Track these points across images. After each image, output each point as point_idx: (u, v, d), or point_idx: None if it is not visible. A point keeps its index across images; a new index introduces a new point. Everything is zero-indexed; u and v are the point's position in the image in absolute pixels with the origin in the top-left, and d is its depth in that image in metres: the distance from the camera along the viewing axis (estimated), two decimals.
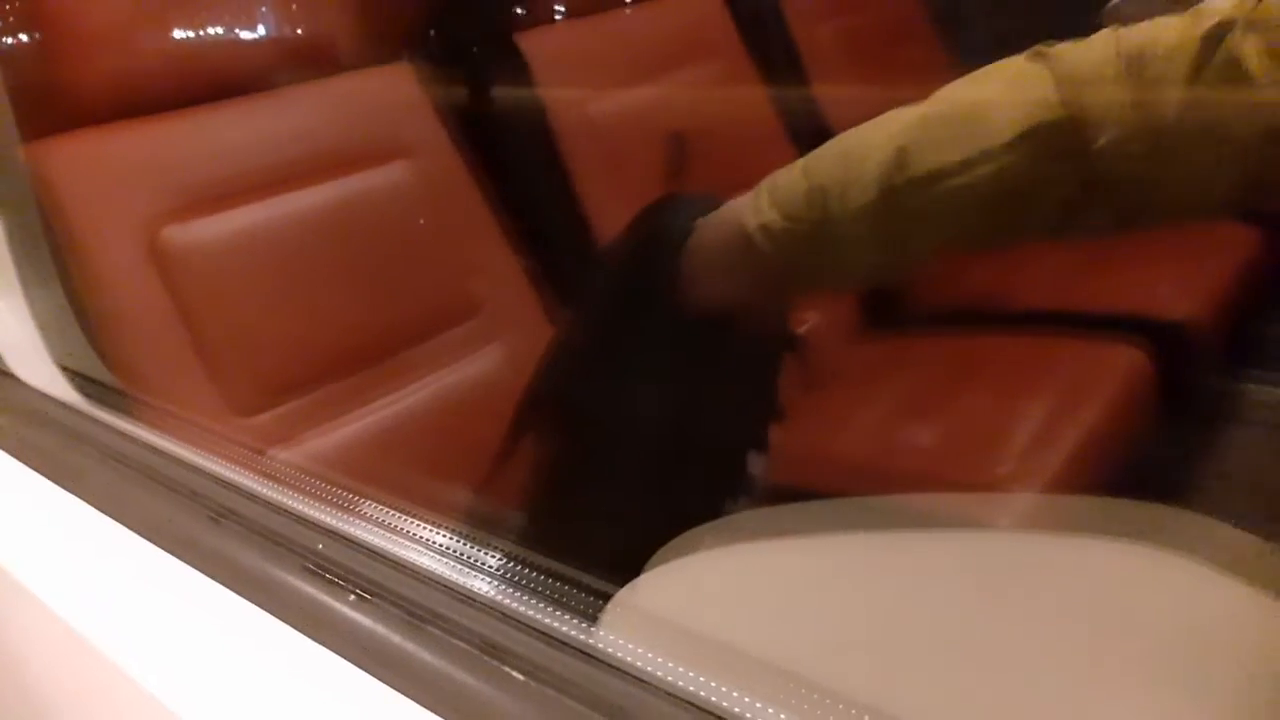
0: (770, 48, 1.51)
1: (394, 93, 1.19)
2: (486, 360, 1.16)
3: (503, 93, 1.27)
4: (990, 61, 0.62)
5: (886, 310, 1.52)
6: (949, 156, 0.58)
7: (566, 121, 1.27)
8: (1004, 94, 0.60)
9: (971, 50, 1.69)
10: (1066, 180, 0.58)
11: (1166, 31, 0.56)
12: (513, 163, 1.25)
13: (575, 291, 1.12)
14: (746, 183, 1.42)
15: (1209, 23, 0.54)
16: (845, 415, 1.29)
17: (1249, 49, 0.52)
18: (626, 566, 0.54)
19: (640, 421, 0.78)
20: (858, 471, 1.18)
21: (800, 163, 0.65)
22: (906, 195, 0.60)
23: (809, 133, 1.51)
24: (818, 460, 1.16)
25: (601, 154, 1.28)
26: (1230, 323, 1.37)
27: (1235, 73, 0.52)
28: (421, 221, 1.15)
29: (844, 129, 1.54)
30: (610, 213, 1.27)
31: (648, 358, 0.78)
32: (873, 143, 0.62)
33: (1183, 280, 1.40)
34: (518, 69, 1.27)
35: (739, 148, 1.48)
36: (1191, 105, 0.54)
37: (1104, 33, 0.58)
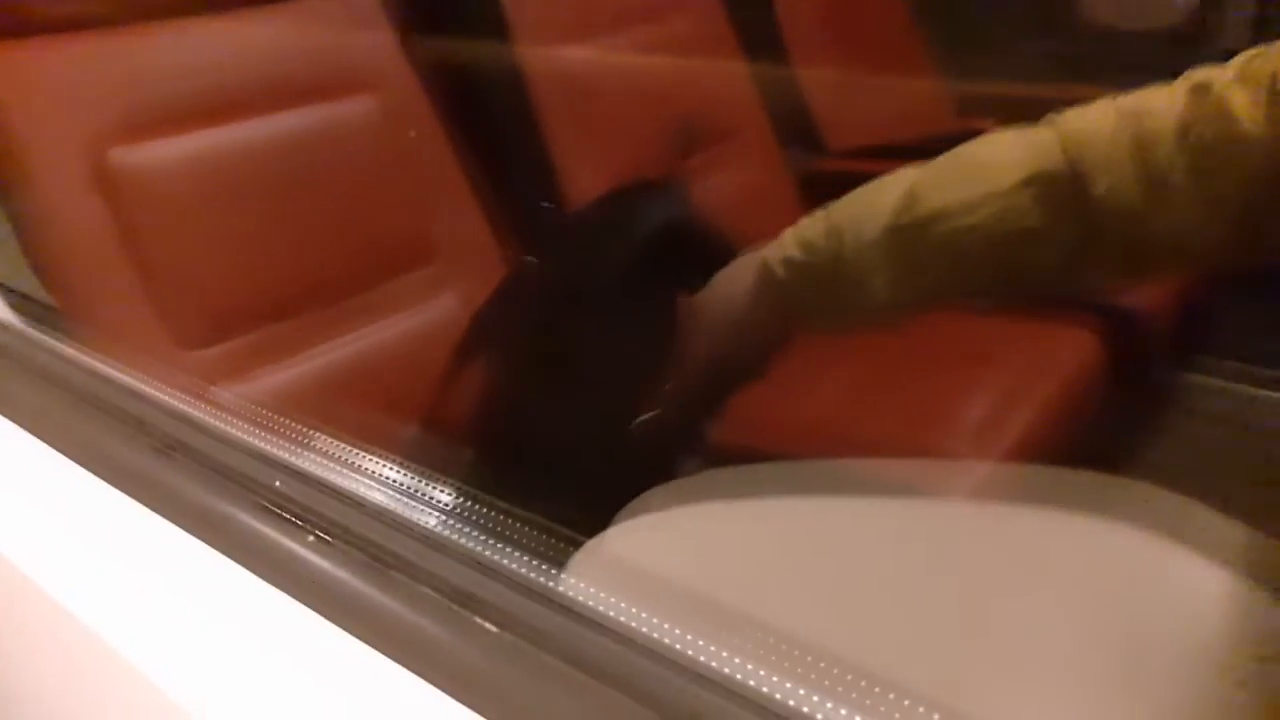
0: (748, 7, 1.48)
1: (360, 23, 1.14)
2: (441, 309, 1.13)
3: (474, 32, 1.23)
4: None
5: None
6: (955, 197, 0.61)
7: (538, 67, 1.23)
8: (1011, 146, 0.62)
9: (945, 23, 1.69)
10: (1066, 227, 0.60)
11: (1161, 90, 0.59)
12: (481, 108, 1.21)
13: (538, 242, 1.10)
14: (714, 143, 1.41)
15: (1201, 77, 0.57)
16: (800, 383, 1.28)
17: (1238, 101, 0.55)
18: (571, 522, 0.53)
19: (584, 380, 0.78)
20: (810, 438, 1.18)
21: (825, 209, 0.68)
22: (913, 233, 0.62)
23: (782, 97, 1.50)
24: (773, 425, 1.16)
25: (573, 105, 1.25)
26: (1183, 313, 1.39)
27: (1225, 124, 0.55)
28: (386, 158, 1.11)
29: (818, 96, 1.51)
30: (578, 166, 1.23)
31: (603, 322, 0.77)
32: (887, 187, 0.64)
33: None
34: (490, 8, 1.22)
35: (711, 108, 1.47)
36: (1182, 155, 0.56)
37: (1104, 99, 0.60)
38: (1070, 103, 0.62)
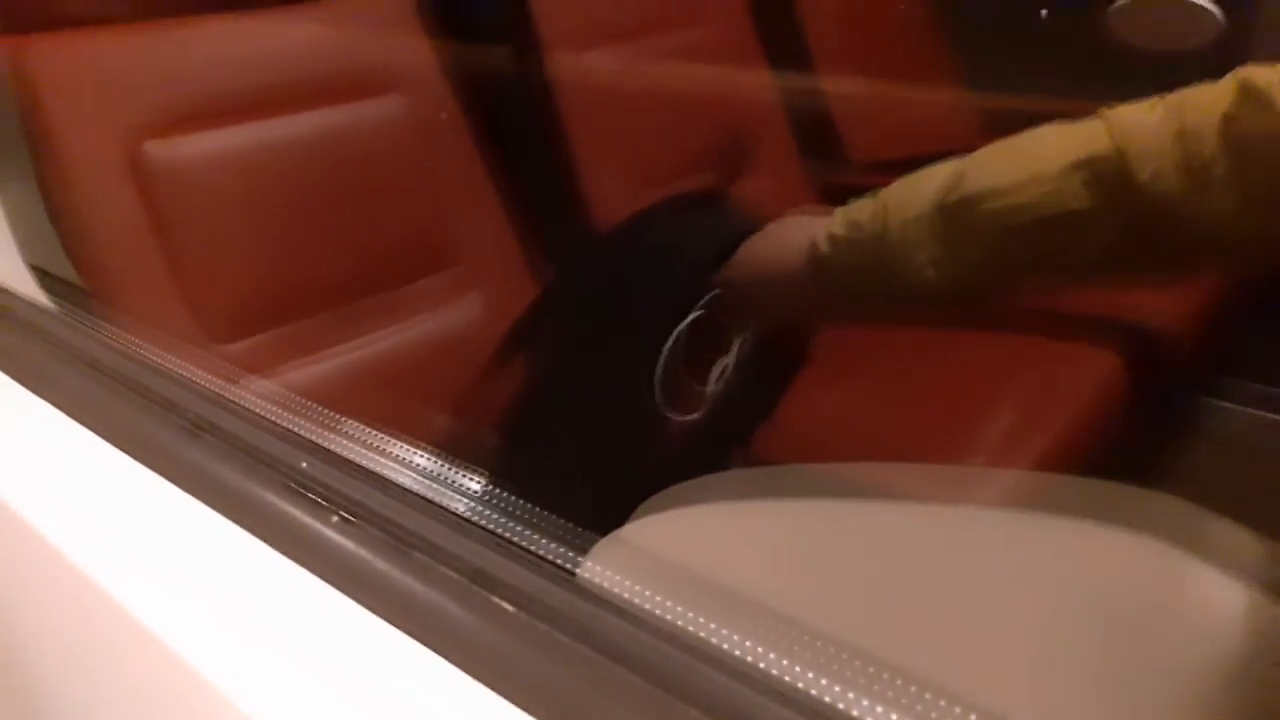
0: (774, 16, 1.49)
1: (393, 25, 1.16)
2: (465, 310, 1.14)
3: (503, 39, 1.25)
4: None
5: None
6: (1004, 178, 0.62)
7: (566, 73, 1.25)
8: (1060, 134, 0.63)
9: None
10: (1111, 214, 0.60)
11: (1208, 86, 0.59)
12: (508, 113, 1.22)
13: (572, 252, 1.11)
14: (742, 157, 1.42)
15: (1248, 74, 0.57)
16: (816, 396, 1.28)
17: None
18: (594, 515, 0.53)
19: (615, 399, 0.79)
20: (823, 449, 1.18)
21: (874, 192, 0.69)
22: (959, 210, 0.63)
23: (806, 109, 1.50)
24: (788, 435, 1.16)
25: (600, 111, 1.26)
26: (1207, 337, 1.38)
27: (1268, 122, 0.55)
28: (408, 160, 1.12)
29: (842, 108, 1.50)
30: (603, 173, 1.25)
31: (635, 344, 0.79)
32: (935, 171, 0.65)
33: (1164, 291, 1.41)
34: (520, 16, 1.24)
35: (736, 119, 1.48)
36: (1225, 147, 0.56)
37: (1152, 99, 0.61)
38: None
